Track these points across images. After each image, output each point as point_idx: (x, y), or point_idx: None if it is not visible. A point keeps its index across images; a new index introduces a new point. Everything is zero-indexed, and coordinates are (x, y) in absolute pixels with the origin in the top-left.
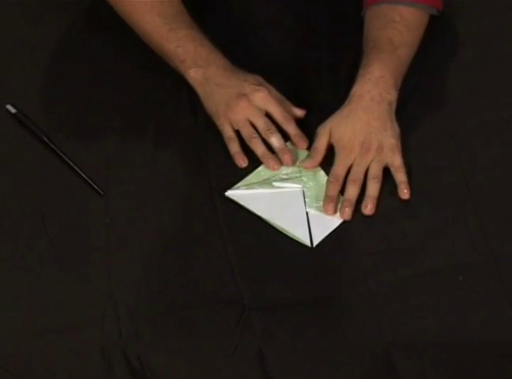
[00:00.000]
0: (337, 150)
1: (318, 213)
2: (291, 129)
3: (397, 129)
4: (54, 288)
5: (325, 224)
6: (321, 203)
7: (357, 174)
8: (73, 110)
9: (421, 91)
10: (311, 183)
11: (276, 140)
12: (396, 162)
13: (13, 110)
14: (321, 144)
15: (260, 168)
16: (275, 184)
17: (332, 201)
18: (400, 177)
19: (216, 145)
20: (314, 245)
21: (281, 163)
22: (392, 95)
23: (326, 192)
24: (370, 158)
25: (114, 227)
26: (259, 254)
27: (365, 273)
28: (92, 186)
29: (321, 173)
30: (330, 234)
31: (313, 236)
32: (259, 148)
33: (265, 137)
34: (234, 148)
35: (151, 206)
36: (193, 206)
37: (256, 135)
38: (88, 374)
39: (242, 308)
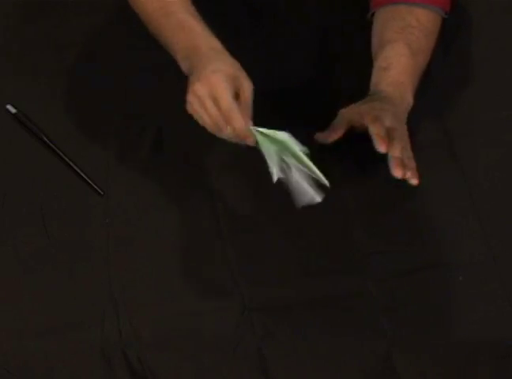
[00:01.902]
0: (365, 119)
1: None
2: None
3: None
4: (54, 288)
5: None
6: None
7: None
8: (73, 110)
9: (421, 91)
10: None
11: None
12: (405, 137)
13: (13, 110)
14: (337, 123)
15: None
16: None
17: (401, 163)
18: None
19: (217, 145)
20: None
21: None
22: (409, 101)
23: (391, 153)
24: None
25: (114, 227)
26: (259, 254)
27: (365, 273)
28: (92, 186)
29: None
30: (330, 234)
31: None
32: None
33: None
34: None
35: (151, 206)
36: (193, 206)
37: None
38: (88, 374)
39: (243, 308)
